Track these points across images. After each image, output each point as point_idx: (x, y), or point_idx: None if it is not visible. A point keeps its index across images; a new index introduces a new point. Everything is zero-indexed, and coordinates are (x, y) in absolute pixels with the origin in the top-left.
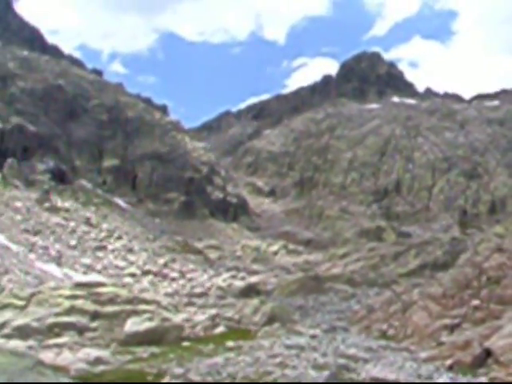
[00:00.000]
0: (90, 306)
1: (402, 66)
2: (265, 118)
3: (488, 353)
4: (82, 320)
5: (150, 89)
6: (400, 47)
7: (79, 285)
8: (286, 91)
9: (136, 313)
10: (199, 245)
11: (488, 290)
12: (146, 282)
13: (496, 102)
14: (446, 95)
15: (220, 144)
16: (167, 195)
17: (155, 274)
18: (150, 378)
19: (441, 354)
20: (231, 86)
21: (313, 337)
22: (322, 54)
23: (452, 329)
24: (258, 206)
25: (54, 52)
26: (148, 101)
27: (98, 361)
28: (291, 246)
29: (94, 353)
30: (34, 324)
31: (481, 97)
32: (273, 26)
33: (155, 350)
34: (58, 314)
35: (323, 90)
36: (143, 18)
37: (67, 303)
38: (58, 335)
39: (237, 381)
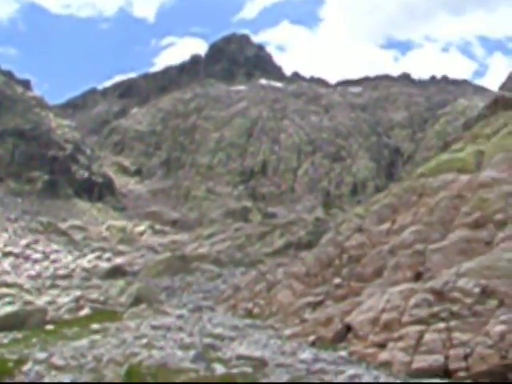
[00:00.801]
0: None
1: (270, 50)
2: (132, 97)
3: (348, 328)
4: None
5: (10, 62)
6: (268, 31)
7: None
8: (154, 70)
9: None
10: (63, 225)
11: (349, 269)
12: (7, 264)
13: (359, 88)
14: (312, 79)
15: (85, 122)
16: (30, 174)
17: (17, 256)
18: (10, 365)
19: (304, 331)
20: (97, 62)
21: (179, 317)
22: (191, 34)
23: (315, 306)
24: (124, 186)
25: None
26: (9, 74)
27: None
28: (158, 227)
29: None
30: None
31: (345, 82)
32: (142, 3)
33: (17, 335)
34: None
35: (191, 69)
36: None
37: None
38: None
39: (103, 363)
